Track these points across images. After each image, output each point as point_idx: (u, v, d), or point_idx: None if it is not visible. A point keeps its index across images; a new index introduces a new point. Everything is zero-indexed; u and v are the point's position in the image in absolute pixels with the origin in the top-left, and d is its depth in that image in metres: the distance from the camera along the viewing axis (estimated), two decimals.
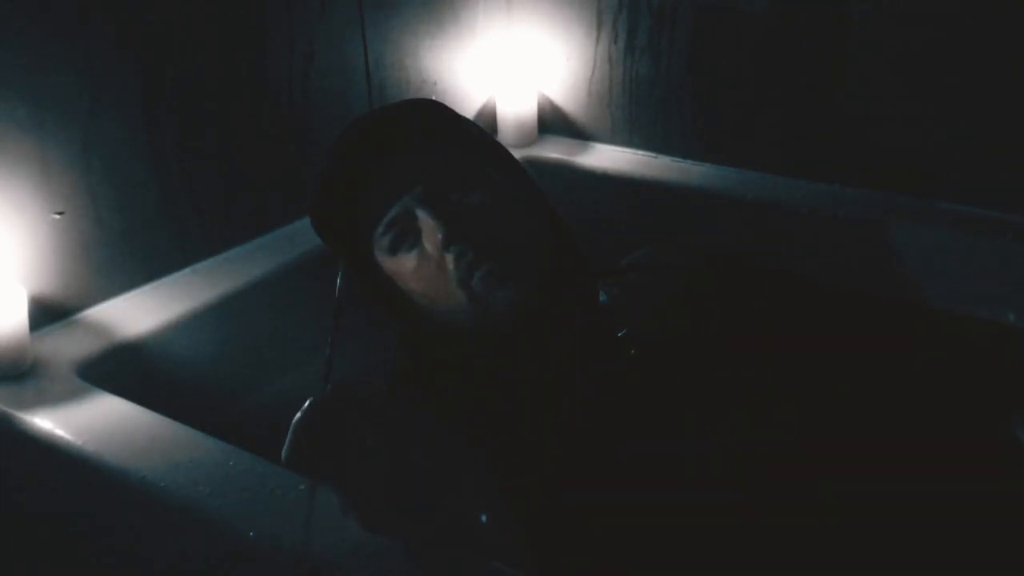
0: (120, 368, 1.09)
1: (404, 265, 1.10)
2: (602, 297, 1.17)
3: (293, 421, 0.89)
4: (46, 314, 1.11)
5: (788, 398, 1.05)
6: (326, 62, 1.37)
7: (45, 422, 0.97)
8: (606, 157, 1.59)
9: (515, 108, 1.62)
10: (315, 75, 1.36)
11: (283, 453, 0.86)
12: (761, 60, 1.45)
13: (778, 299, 1.20)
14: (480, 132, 1.22)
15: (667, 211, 1.49)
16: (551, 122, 1.68)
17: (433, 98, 1.19)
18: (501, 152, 1.21)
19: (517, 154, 1.26)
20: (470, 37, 1.59)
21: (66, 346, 1.09)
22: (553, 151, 1.60)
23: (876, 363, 1.12)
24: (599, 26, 1.58)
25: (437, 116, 1.19)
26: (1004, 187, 1.33)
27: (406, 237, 1.09)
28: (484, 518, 0.95)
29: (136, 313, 1.15)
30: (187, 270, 1.24)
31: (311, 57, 1.35)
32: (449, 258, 1.06)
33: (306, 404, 0.96)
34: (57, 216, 1.10)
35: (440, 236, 1.06)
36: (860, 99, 1.40)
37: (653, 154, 1.59)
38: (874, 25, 1.36)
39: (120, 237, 1.17)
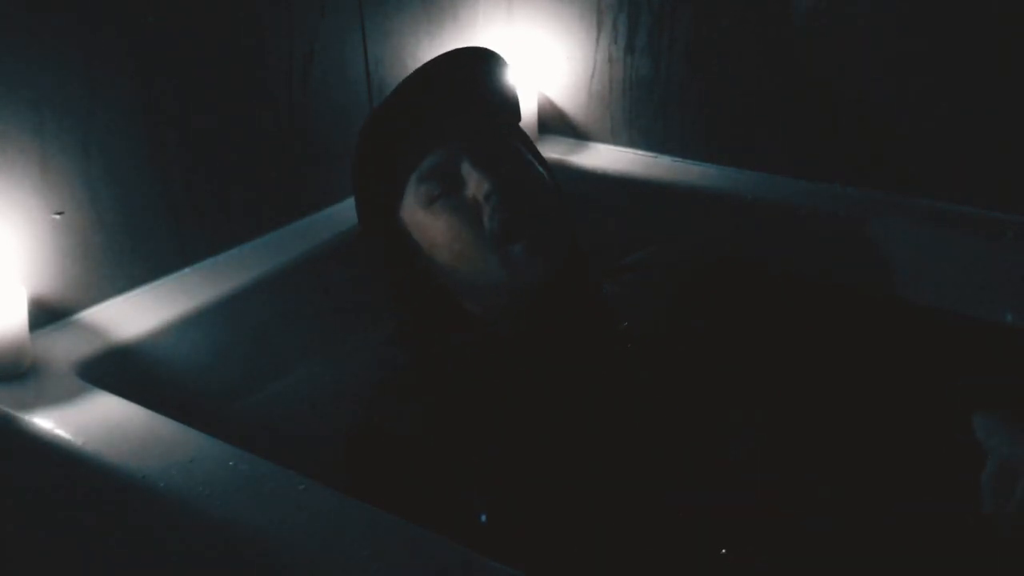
0: (120, 368, 1.09)
1: (437, 218, 1.08)
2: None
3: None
4: (46, 314, 1.11)
5: (786, 396, 1.06)
6: (326, 62, 1.37)
7: (45, 422, 0.97)
8: (606, 157, 1.58)
9: None
10: (315, 75, 1.36)
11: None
12: (761, 60, 1.45)
13: (777, 298, 1.21)
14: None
15: (667, 211, 1.49)
16: (551, 122, 1.68)
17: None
18: (530, 140, 1.22)
19: None
20: (470, 37, 1.59)
21: (66, 346, 1.09)
22: (553, 151, 1.60)
23: (871, 361, 1.12)
24: (599, 26, 1.58)
25: (495, 70, 1.18)
26: (1004, 187, 1.33)
27: (446, 188, 1.08)
28: (484, 518, 0.95)
29: (136, 313, 1.15)
30: (187, 270, 1.24)
31: (311, 57, 1.35)
32: (487, 210, 1.05)
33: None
34: (57, 216, 1.10)
35: (486, 186, 1.05)
36: (860, 99, 1.40)
37: (653, 154, 1.59)
38: (874, 25, 1.36)
39: (120, 237, 1.17)
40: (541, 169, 1.14)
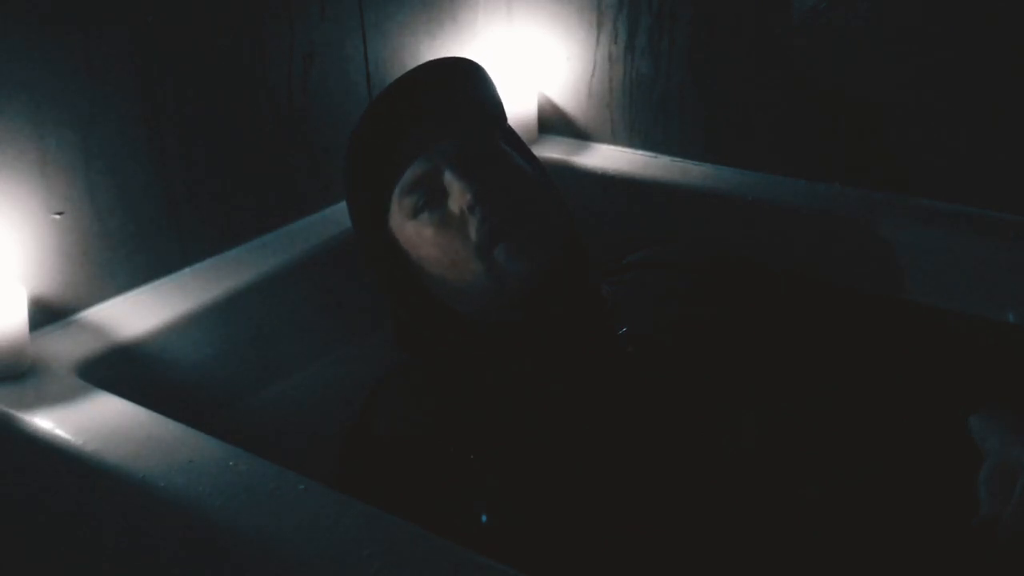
0: (120, 368, 1.09)
1: (423, 230, 1.08)
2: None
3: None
4: (46, 314, 1.11)
5: (787, 397, 1.06)
6: (326, 62, 1.37)
7: (45, 422, 0.97)
8: (606, 157, 1.58)
9: (515, 108, 1.62)
10: (315, 75, 1.36)
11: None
12: (761, 60, 1.45)
13: (778, 298, 1.20)
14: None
15: (667, 211, 1.49)
16: (551, 122, 1.68)
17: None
18: (520, 141, 1.22)
19: None
20: (470, 37, 1.59)
21: (66, 346, 1.09)
22: (553, 151, 1.60)
23: (871, 361, 1.12)
24: (599, 26, 1.58)
25: (476, 79, 1.18)
26: (1004, 187, 1.33)
27: (429, 199, 1.07)
28: (484, 518, 0.95)
29: (136, 313, 1.15)
30: (187, 270, 1.24)
31: (311, 57, 1.35)
32: (473, 221, 1.05)
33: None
34: (57, 216, 1.10)
35: (469, 196, 1.04)
36: (860, 99, 1.40)
37: (653, 154, 1.59)
38: (874, 25, 1.36)
39: (120, 237, 1.17)
40: (531, 170, 1.14)
